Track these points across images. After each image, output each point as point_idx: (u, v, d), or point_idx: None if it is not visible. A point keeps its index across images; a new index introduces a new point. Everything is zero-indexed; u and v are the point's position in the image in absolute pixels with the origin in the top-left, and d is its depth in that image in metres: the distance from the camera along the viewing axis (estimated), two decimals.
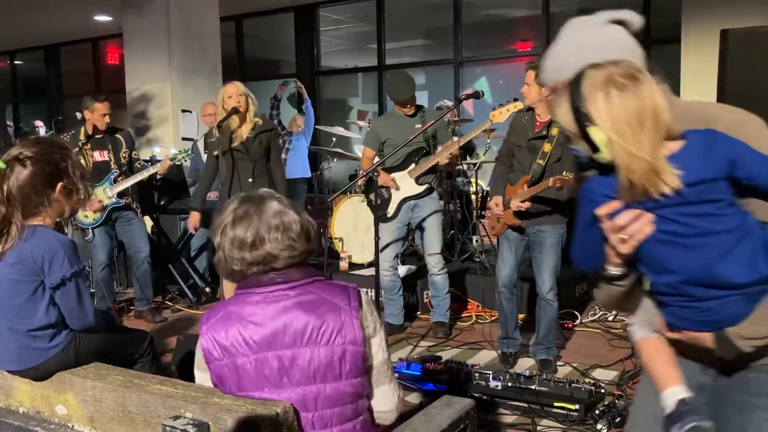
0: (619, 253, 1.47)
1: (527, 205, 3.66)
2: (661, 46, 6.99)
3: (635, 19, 1.62)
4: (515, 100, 4.10)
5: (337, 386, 1.71)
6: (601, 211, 1.45)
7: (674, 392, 1.53)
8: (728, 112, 1.48)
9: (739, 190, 1.41)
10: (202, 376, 1.82)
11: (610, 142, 1.37)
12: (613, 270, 1.52)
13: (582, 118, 1.40)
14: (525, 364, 3.98)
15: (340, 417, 1.72)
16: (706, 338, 1.48)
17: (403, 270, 5.29)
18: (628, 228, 1.43)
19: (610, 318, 4.93)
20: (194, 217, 4.70)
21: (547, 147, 3.66)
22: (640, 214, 1.42)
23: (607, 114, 1.37)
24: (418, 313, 5.19)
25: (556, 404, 3.20)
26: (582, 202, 1.52)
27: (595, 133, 1.39)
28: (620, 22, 1.61)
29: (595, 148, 1.41)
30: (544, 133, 3.71)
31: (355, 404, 1.75)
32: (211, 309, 1.80)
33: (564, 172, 3.51)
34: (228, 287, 4.65)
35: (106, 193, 4.90)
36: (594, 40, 1.58)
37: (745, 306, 1.42)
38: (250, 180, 4.41)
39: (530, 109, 3.84)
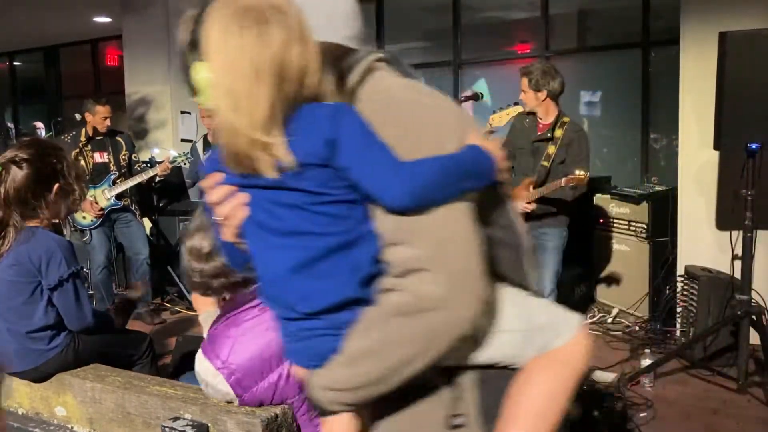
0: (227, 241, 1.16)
1: (533, 206, 3.67)
2: (660, 48, 6.99)
3: None
4: (515, 104, 4.11)
5: None
6: (204, 183, 1.14)
7: None
8: (408, 93, 1.15)
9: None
10: None
11: (217, 85, 1.02)
12: None
13: (190, 49, 1.07)
14: None
15: None
16: (302, 377, 1.12)
17: None
18: (221, 207, 1.11)
19: (609, 320, 4.92)
20: None
21: (551, 149, 3.69)
22: (232, 192, 1.10)
23: (219, 50, 1.02)
24: None
25: None
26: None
27: (200, 69, 1.04)
28: None
29: (195, 90, 1.07)
30: (548, 135, 3.73)
31: None
32: (212, 342, 1.64)
33: (577, 171, 3.52)
34: None
35: (104, 195, 4.89)
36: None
37: (330, 341, 1.06)
38: None
39: (531, 113, 3.85)
